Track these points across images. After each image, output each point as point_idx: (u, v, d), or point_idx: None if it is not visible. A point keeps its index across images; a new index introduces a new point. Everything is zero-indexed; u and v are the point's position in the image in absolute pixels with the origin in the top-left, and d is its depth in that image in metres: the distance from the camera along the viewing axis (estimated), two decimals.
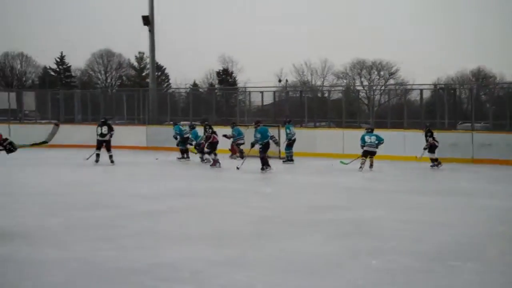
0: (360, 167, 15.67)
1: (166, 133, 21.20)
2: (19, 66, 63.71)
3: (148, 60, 43.82)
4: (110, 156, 16.46)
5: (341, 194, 10.93)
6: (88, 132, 21.33)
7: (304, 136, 19.82)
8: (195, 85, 56.85)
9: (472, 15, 72.32)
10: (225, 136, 18.71)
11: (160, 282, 4.76)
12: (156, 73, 38.10)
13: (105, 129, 16.72)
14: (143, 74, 63.08)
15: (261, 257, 5.63)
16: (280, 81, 55.40)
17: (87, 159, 16.40)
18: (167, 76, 64.77)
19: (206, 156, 16.64)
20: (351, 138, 18.96)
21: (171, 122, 20.73)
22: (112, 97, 31.42)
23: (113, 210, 8.40)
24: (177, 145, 18.73)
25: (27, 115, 30.14)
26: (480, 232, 7.32)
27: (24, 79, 63.08)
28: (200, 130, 17.96)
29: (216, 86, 54.63)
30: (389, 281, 4.95)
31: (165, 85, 60.58)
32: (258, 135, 14.82)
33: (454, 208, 9.41)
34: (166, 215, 8.17)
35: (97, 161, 16.46)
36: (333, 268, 5.31)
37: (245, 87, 36.28)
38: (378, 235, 6.88)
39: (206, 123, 17.68)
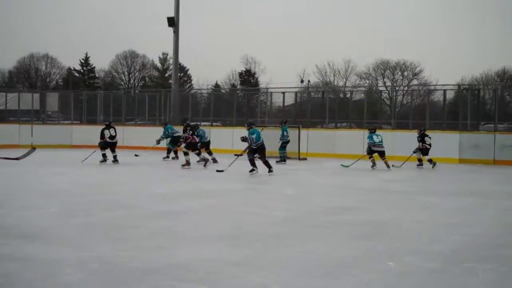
0: (373, 166, 15.78)
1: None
2: (44, 68, 64.29)
3: (171, 61, 44.01)
4: (115, 156, 16.95)
5: (358, 195, 10.83)
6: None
7: (325, 137, 19.75)
8: (217, 86, 57.02)
9: (497, 16, 71.41)
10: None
11: (177, 282, 4.75)
12: (179, 74, 38.25)
13: (113, 131, 17.16)
14: (166, 75, 63.35)
15: (278, 258, 5.60)
16: (302, 81, 55.32)
17: (83, 161, 16.60)
18: (189, 77, 65.00)
19: (187, 157, 16.27)
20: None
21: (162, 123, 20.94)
22: (134, 98, 31.58)
23: (131, 210, 8.43)
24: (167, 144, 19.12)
25: (49, 116, 30.46)
26: (497, 233, 7.24)
27: (48, 80, 63.65)
28: (206, 131, 18.20)
29: (238, 87, 54.67)
30: (406, 282, 4.89)
31: (187, 86, 60.78)
32: (253, 136, 14.36)
33: (472, 209, 9.34)
34: (184, 215, 8.17)
35: (104, 161, 16.84)
36: (350, 270, 5.26)
37: (267, 88, 36.19)
38: (395, 236, 6.82)
39: (186, 123, 17.77)
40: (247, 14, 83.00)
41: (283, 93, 25.56)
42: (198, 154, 16.65)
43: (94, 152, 17.07)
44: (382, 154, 16.51)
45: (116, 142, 17.30)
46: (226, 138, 22.21)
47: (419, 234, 7.01)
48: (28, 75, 62.88)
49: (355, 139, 19.54)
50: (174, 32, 26.93)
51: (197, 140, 16.83)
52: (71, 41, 76.12)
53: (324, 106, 24.65)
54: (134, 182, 12.60)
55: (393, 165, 16.42)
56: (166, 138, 19.25)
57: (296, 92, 27.97)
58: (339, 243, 6.40)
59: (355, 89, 36.31)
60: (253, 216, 8.09)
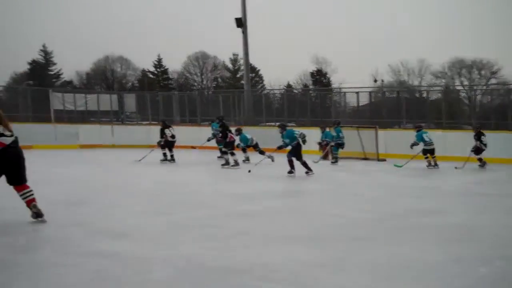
0: (432, 165, 16.11)
1: (261, 134, 21.25)
2: (119, 69, 66.08)
3: (242, 61, 44.25)
4: (172, 156, 17.21)
5: (441, 197, 10.56)
6: (186, 133, 21.90)
7: (402, 137, 19.32)
8: (289, 86, 56.99)
9: None
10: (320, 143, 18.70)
11: (262, 282, 4.75)
12: (250, 75, 38.42)
13: (173, 130, 17.40)
14: (238, 75, 63.84)
15: (361, 261, 5.49)
16: (375, 81, 54.53)
17: (140, 160, 16.82)
18: (261, 78, 65.21)
19: (226, 156, 16.27)
20: (453, 139, 18.43)
21: (209, 122, 20.78)
22: (208, 99, 31.94)
23: (212, 209, 8.50)
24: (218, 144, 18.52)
25: (128, 116, 31.25)
26: None
27: (124, 81, 65.37)
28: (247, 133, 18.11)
29: (310, 87, 54.46)
30: None
31: (259, 86, 60.98)
32: (287, 140, 13.94)
33: None
34: (264, 215, 8.17)
35: (165, 160, 17.14)
36: (438, 274, 5.10)
37: (340, 88, 35.88)
38: (483, 240, 6.57)
39: (222, 122, 17.39)
40: (316, 12, 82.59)
41: (357, 93, 25.24)
42: (232, 154, 16.31)
43: (152, 151, 17.31)
44: (432, 152, 16.36)
45: (175, 141, 17.46)
46: None
47: (509, 238, 6.73)
48: (105, 77, 64.77)
49: (435, 139, 19.01)
50: (242, 32, 26.99)
51: (234, 138, 16.77)
52: (144, 43, 77.93)
53: (399, 105, 24.14)
54: (211, 182, 12.71)
55: (456, 167, 16.02)
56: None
57: (370, 92, 27.60)
58: (425, 246, 6.22)
59: (431, 88, 35.48)
60: (335, 218, 7.98)
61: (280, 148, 14.35)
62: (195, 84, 64.98)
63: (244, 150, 17.54)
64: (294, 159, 13.69)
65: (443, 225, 7.46)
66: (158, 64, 66.57)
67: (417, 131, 16.69)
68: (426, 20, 75.87)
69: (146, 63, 66.91)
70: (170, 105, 29.58)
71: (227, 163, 16.06)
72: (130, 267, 5.10)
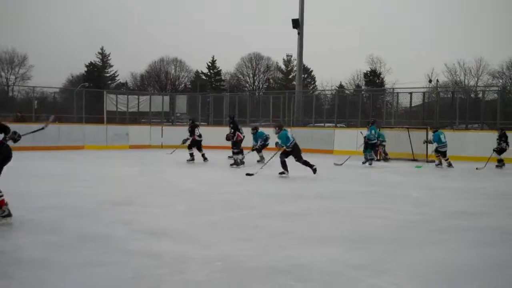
0: (443, 164, 16.47)
1: (310, 134, 21.21)
2: (173, 71, 67.06)
3: (295, 62, 44.22)
4: (203, 155, 17.29)
5: (481, 199, 10.26)
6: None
7: (454, 138, 18.92)
8: (341, 86, 56.65)
9: None
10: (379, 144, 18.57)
11: (300, 283, 4.68)
12: (303, 75, 38.34)
13: (200, 130, 17.48)
14: (290, 76, 63.90)
15: (402, 263, 5.37)
16: (430, 81, 53.59)
17: (171, 153, 16.88)
18: (313, 78, 65.15)
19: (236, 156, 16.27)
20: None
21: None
22: (259, 100, 32.01)
23: (250, 210, 8.48)
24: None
25: (178, 118, 31.64)
26: None
27: (177, 83, 66.30)
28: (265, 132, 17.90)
29: (363, 87, 53.97)
30: None
31: (311, 87, 60.87)
32: (279, 141, 13.79)
33: None
34: (302, 216, 8.08)
35: (192, 160, 17.24)
36: (472, 278, 4.95)
37: (393, 88, 35.39)
38: None
39: (233, 119, 17.35)
40: (370, 13, 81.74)
41: (410, 93, 24.85)
42: (238, 153, 16.32)
43: (174, 151, 17.38)
44: (444, 154, 16.79)
45: (201, 141, 17.55)
46: (351, 139, 21.66)
47: None
48: (159, 79, 65.88)
49: (486, 140, 18.52)
50: (298, 34, 26.97)
51: (242, 137, 16.73)
52: (198, 45, 78.85)
53: (453, 106, 23.62)
54: (247, 182, 12.66)
55: (477, 168, 16.10)
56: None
57: (424, 92, 27.13)
58: (464, 249, 6.07)
59: (487, 89, 34.59)
60: (373, 219, 7.82)
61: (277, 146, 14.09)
62: (247, 85, 65.31)
63: (259, 150, 17.35)
64: (286, 160, 13.55)
65: (477, 228, 7.29)
66: (212, 65, 67.26)
67: (434, 131, 17.06)
68: (483, 18, 74.05)
69: (200, 65, 67.76)
70: (220, 106, 29.77)
71: (236, 163, 16.14)
72: (169, 266, 5.11)
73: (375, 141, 17.76)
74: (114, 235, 6.37)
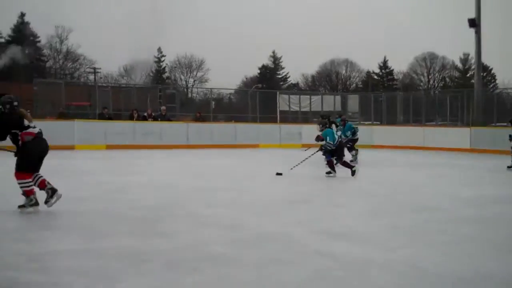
0: None
1: (491, 135, 19.96)
2: (344, 72, 67.78)
3: (473, 61, 42.16)
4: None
5: None
6: (408, 133, 21.33)
7: None
8: None
9: None
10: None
11: None
12: (482, 74, 36.49)
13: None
14: (468, 75, 61.84)
15: None
16: None
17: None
18: (493, 76, 62.31)
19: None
20: None
21: None
22: (434, 98, 31.00)
23: (436, 213, 8.01)
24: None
25: (350, 117, 31.54)
26: None
27: (348, 83, 66.86)
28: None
29: None
30: None
31: (491, 85, 58.00)
32: (327, 137, 12.73)
33: None
34: (493, 222, 7.47)
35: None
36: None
37: None
38: None
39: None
40: None
41: None
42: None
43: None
44: None
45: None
46: None
47: None
48: (330, 79, 66.76)
49: None
50: (475, 33, 25.81)
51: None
52: (370, 46, 78.17)
53: None
54: (431, 183, 12.10)
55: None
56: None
57: None
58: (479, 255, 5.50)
59: None
60: None
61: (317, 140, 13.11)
62: (421, 84, 64.32)
63: (349, 149, 16.18)
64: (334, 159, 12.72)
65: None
66: (384, 65, 67.31)
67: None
68: None
69: (371, 65, 67.60)
70: (393, 105, 29.31)
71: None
72: (348, 268, 4.96)
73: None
74: (292, 234, 6.33)
